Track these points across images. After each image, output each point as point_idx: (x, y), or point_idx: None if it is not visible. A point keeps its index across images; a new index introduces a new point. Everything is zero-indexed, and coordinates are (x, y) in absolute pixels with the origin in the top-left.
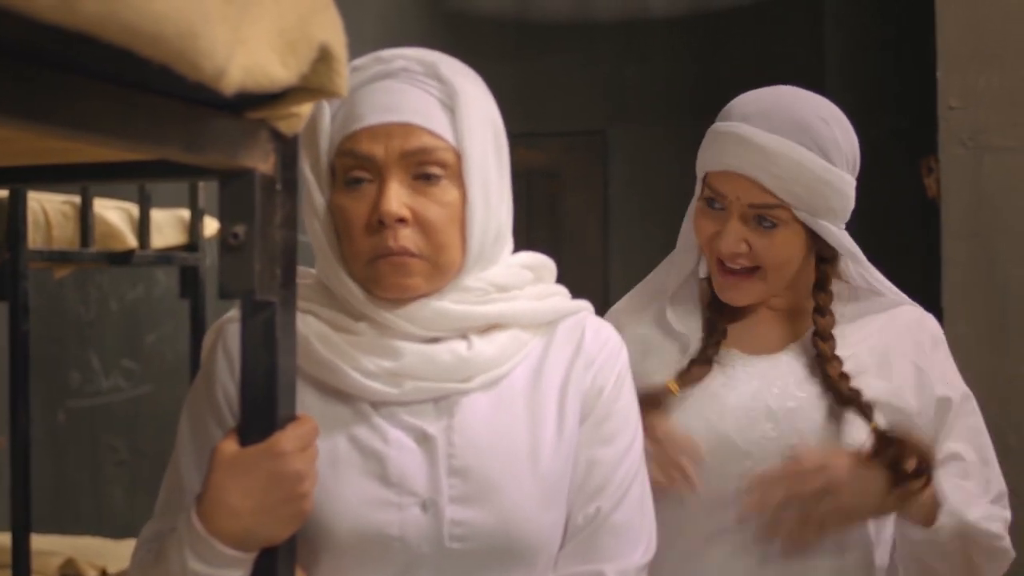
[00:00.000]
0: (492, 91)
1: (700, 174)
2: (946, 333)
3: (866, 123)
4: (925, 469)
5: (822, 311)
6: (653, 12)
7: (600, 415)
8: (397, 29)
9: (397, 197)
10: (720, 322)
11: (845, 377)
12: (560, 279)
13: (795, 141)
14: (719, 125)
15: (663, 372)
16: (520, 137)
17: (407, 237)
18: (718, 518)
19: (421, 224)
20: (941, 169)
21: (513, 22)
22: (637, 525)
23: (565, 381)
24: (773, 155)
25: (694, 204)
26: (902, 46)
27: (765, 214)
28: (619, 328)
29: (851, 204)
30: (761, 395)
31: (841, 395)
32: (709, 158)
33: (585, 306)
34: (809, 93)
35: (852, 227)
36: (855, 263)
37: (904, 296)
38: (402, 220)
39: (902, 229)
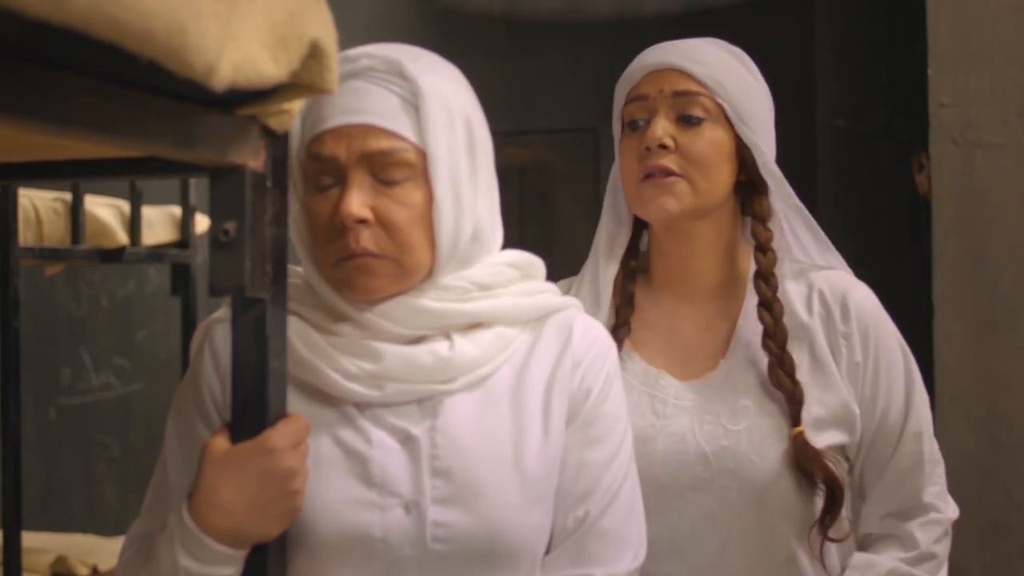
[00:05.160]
0: (482, 89)
1: (620, 104)
2: (936, 330)
3: (857, 120)
4: (833, 501)
5: (763, 248)
6: (644, 10)
7: (588, 417)
8: (387, 26)
9: (358, 199)
10: (625, 313)
11: (782, 330)
12: (551, 275)
13: (713, 46)
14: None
15: None
16: (511, 135)
17: (368, 238)
18: (665, 559)
19: (384, 225)
20: (932, 166)
21: (503, 20)
22: (626, 530)
23: (551, 380)
24: (692, 47)
25: (615, 170)
26: (893, 45)
27: (690, 105)
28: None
29: (772, 138)
30: (691, 436)
31: (772, 361)
32: (629, 76)
33: (573, 303)
34: None
35: (844, 223)
36: (780, 196)
37: (838, 261)
38: (363, 221)
39: (893, 225)
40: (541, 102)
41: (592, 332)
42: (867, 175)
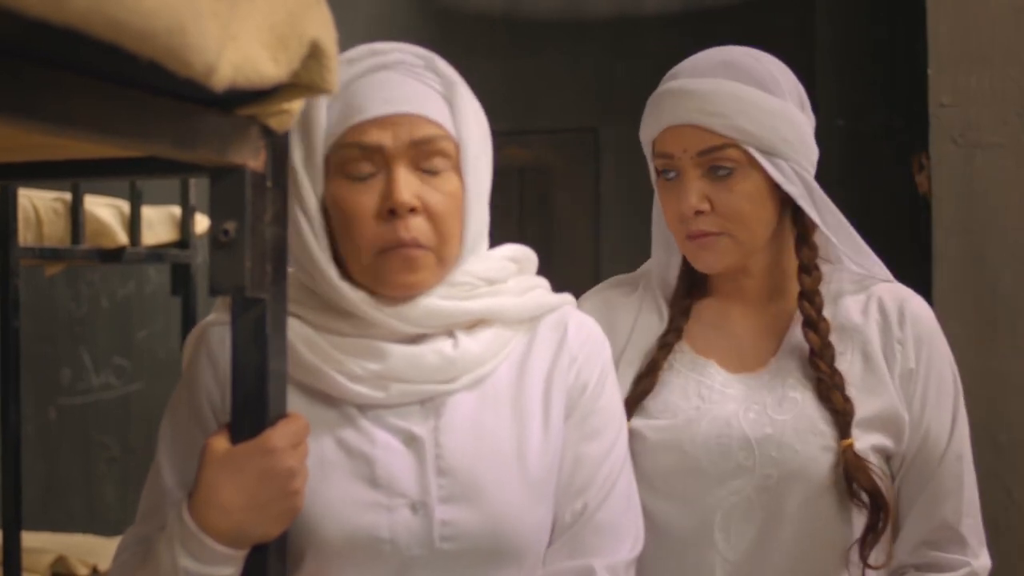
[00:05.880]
0: (483, 89)
1: (648, 149)
2: None
3: (857, 120)
4: (876, 519)
5: (807, 268)
6: (644, 10)
7: (584, 411)
8: (387, 26)
9: (408, 186)
10: (679, 320)
11: (830, 349)
12: (551, 275)
13: (726, 79)
14: (653, 94)
15: (628, 321)
16: (511, 135)
17: (418, 227)
18: (696, 548)
19: (429, 213)
20: (932, 166)
21: (503, 20)
22: (623, 521)
23: (549, 378)
24: (706, 95)
25: (656, 200)
26: (893, 45)
27: (717, 159)
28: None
29: (811, 143)
30: (736, 421)
31: (823, 378)
32: (648, 125)
33: (567, 299)
34: (738, 46)
35: None
36: (823, 216)
37: (888, 274)
38: (413, 209)
39: (893, 225)
40: (541, 102)
41: (586, 328)
42: (867, 175)
